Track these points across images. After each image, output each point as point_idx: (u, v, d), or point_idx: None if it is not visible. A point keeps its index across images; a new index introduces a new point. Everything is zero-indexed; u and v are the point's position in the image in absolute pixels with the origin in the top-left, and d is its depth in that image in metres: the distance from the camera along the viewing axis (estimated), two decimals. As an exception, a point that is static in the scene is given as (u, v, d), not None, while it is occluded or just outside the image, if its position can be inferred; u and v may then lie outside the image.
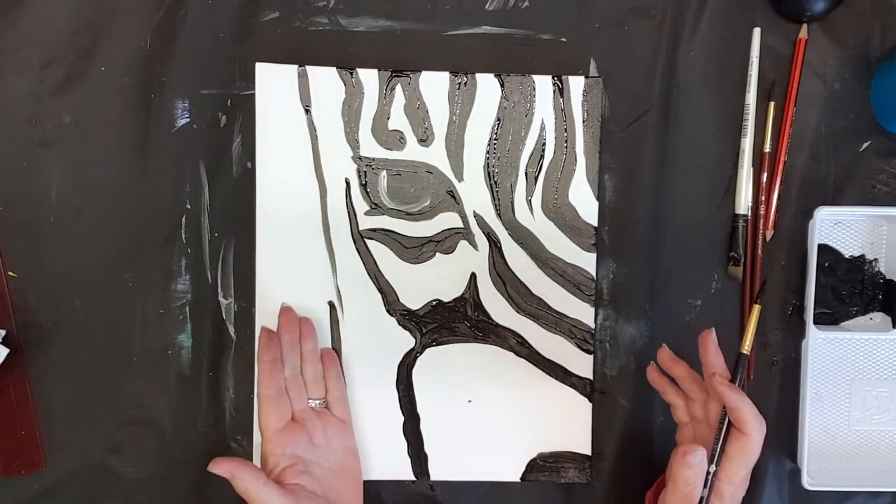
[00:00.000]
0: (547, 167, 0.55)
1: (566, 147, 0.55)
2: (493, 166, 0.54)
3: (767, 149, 0.55)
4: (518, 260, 0.55)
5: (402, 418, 0.55)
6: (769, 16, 0.55)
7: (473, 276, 0.55)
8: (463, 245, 0.55)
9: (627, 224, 0.55)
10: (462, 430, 0.55)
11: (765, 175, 0.55)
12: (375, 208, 0.54)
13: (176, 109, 0.53)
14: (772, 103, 0.55)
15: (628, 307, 0.56)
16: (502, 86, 0.54)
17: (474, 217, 0.55)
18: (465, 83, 0.54)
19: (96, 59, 0.53)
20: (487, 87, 0.54)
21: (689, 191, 0.56)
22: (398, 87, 0.54)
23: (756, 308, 0.48)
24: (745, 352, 0.48)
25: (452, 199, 0.55)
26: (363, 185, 0.54)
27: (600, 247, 0.55)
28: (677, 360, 0.51)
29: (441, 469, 0.55)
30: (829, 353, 0.57)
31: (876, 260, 0.57)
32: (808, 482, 0.54)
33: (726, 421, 0.46)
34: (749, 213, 0.55)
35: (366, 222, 0.54)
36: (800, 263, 0.56)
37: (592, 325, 0.55)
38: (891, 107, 0.54)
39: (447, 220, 0.55)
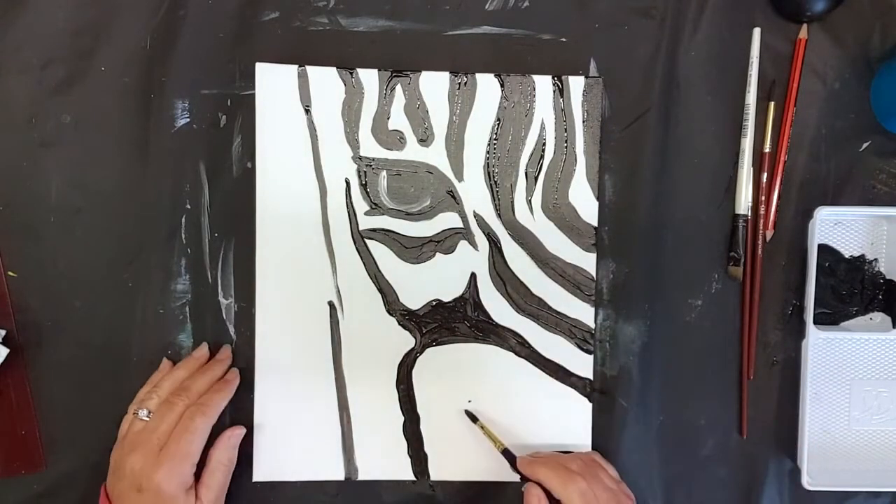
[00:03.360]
0: (547, 167, 0.55)
1: (566, 147, 0.55)
2: (493, 166, 0.55)
3: (767, 149, 0.55)
4: (518, 260, 0.55)
5: (402, 418, 0.55)
6: (769, 16, 0.55)
7: (473, 276, 0.55)
8: (463, 245, 0.55)
9: (627, 224, 0.55)
10: (462, 430, 0.55)
11: (765, 175, 0.55)
12: (375, 208, 0.54)
13: (176, 109, 0.53)
14: (772, 103, 0.55)
15: (628, 307, 0.56)
16: (502, 86, 0.54)
17: (474, 217, 0.55)
18: (465, 83, 0.54)
19: (96, 59, 0.53)
20: (487, 87, 0.54)
21: (689, 191, 0.56)
22: (398, 87, 0.54)
23: None
24: None
25: (452, 199, 0.55)
26: (363, 185, 0.54)
27: (600, 247, 0.55)
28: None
29: (441, 469, 0.55)
30: (829, 353, 0.57)
31: (876, 260, 0.57)
32: (808, 482, 0.54)
33: None
34: (749, 213, 0.55)
35: (366, 222, 0.54)
36: (800, 263, 0.56)
37: (592, 325, 0.55)
38: (891, 107, 0.54)
39: (447, 220, 0.55)
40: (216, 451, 0.51)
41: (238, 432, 0.52)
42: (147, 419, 0.49)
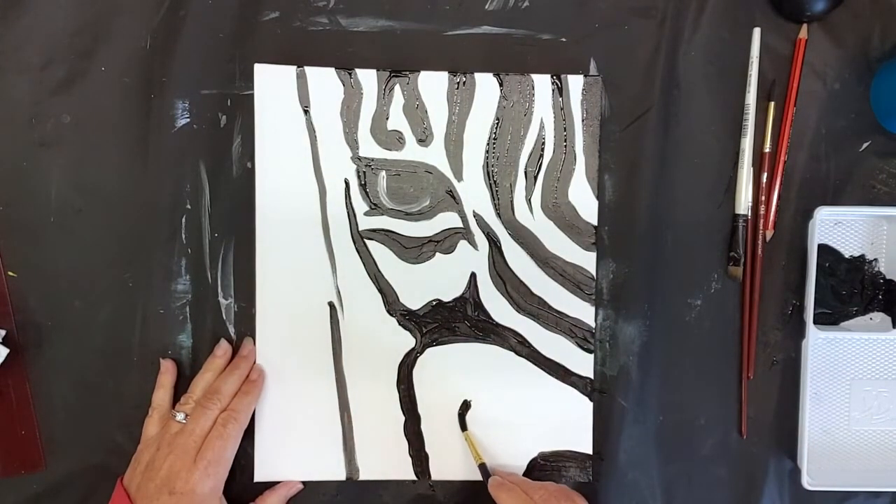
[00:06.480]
0: (546, 166, 0.55)
1: (565, 146, 0.55)
2: (493, 166, 0.55)
3: (767, 149, 0.55)
4: (518, 259, 0.55)
5: (402, 418, 0.55)
6: (769, 16, 0.55)
7: (473, 275, 0.55)
8: (463, 245, 0.55)
9: (627, 224, 0.55)
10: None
11: (765, 175, 0.55)
12: (375, 208, 0.54)
13: (176, 109, 0.53)
14: (772, 103, 0.55)
15: (628, 307, 0.56)
16: (501, 85, 0.54)
17: (474, 217, 0.55)
18: (464, 83, 0.54)
19: (96, 59, 0.53)
20: (486, 86, 0.54)
21: (689, 191, 0.56)
22: (397, 88, 0.54)
23: None
24: None
25: (452, 199, 0.55)
26: (362, 186, 0.54)
27: (600, 246, 0.55)
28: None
29: (442, 469, 0.55)
30: (829, 353, 0.57)
31: (876, 260, 0.57)
32: (808, 482, 0.54)
33: None
34: (749, 213, 0.55)
35: (365, 223, 0.54)
36: (800, 263, 0.56)
37: (593, 324, 0.55)
38: (891, 107, 0.54)
39: (447, 219, 0.55)
40: (271, 496, 0.54)
41: (297, 487, 0.55)
42: (184, 422, 0.50)
